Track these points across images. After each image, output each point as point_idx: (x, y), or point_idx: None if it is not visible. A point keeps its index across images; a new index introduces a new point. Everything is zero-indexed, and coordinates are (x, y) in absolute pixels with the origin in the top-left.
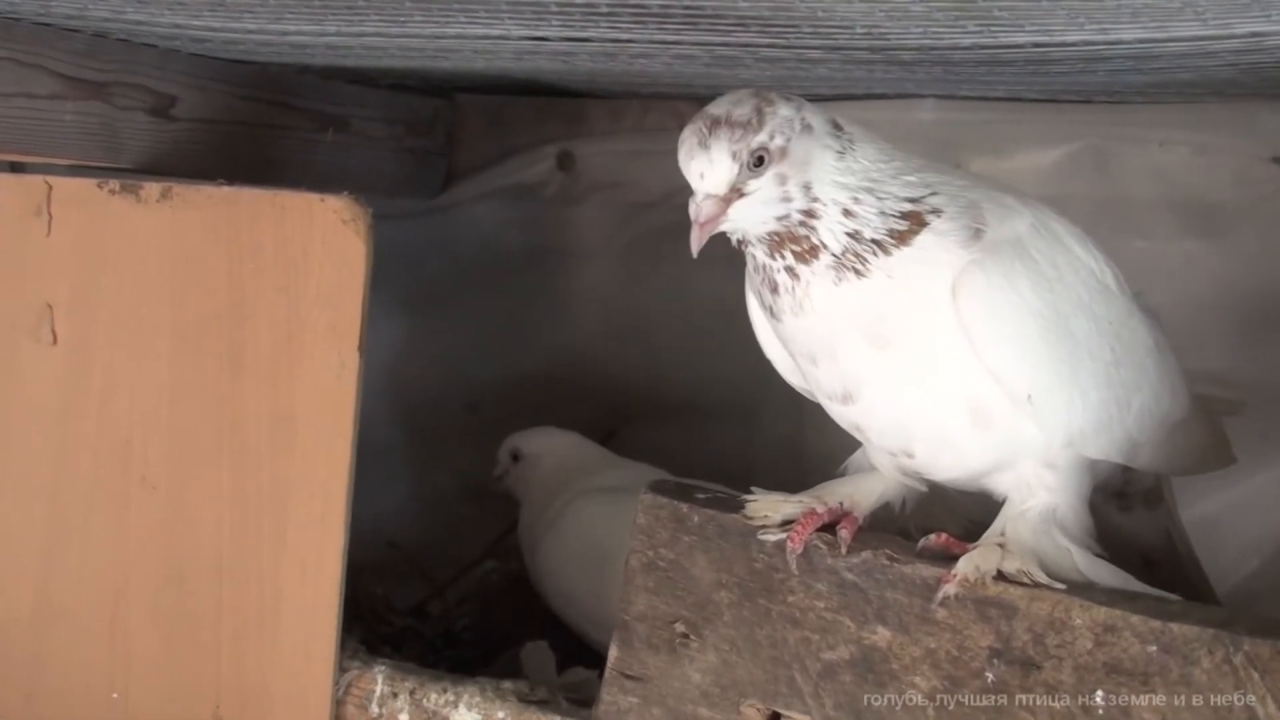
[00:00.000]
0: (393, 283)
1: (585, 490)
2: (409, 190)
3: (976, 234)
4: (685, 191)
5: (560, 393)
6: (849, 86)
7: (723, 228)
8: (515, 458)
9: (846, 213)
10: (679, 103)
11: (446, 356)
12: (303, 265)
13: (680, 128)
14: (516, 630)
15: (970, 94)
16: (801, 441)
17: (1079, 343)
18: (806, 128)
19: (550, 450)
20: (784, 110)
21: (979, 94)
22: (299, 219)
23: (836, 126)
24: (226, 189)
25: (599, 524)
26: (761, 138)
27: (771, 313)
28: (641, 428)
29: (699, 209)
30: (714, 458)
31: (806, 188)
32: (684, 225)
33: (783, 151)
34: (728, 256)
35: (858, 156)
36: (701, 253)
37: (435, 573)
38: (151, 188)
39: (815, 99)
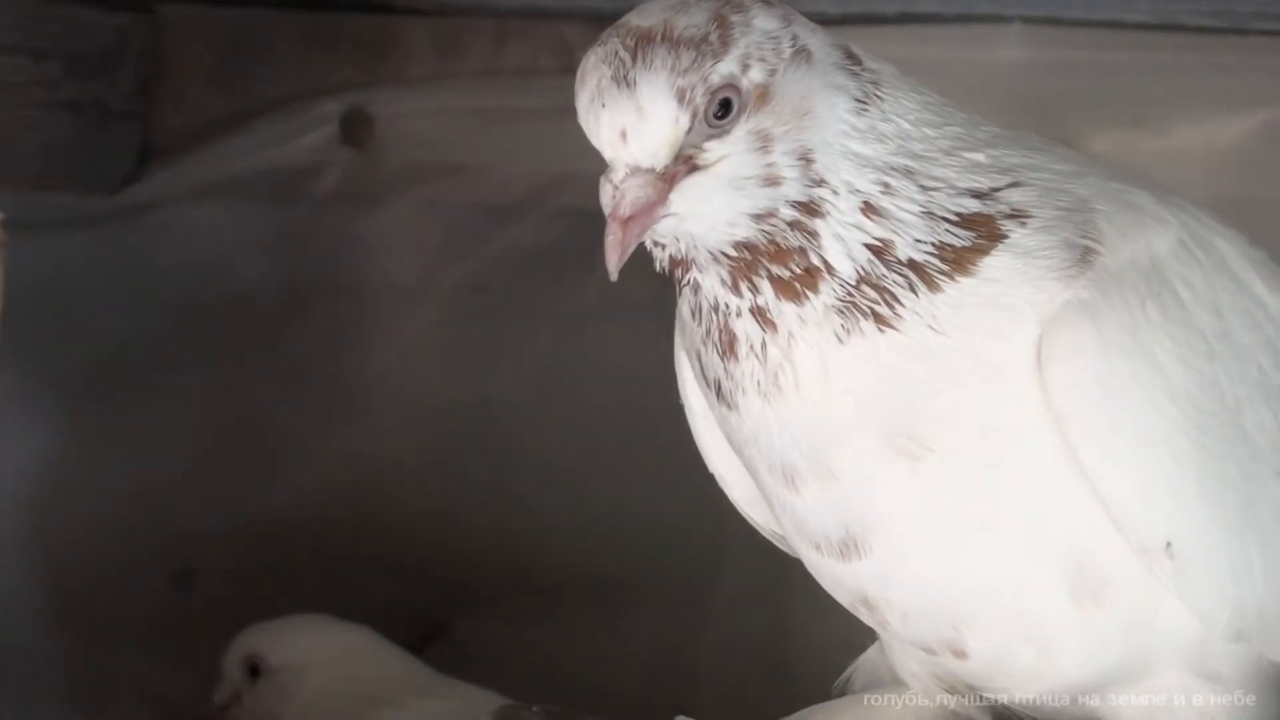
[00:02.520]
0: (39, 345)
1: None
2: (69, 178)
3: (1084, 256)
4: (573, 186)
5: (343, 553)
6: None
7: (661, 229)
8: (254, 672)
9: (869, 209)
10: (562, 24)
11: (137, 484)
12: None
13: (564, 69)
14: None
15: (1087, 16)
16: (785, 641)
17: (1258, 452)
18: (801, 54)
19: (318, 660)
20: (763, 20)
21: (1103, 17)
22: None
23: (851, 57)
24: None
25: None
26: (728, 66)
27: (720, 392)
28: (492, 621)
29: (620, 194)
30: (621, 673)
31: (805, 160)
32: (573, 246)
33: (764, 93)
34: (654, 306)
35: (888, 111)
36: (608, 300)
37: None
38: None
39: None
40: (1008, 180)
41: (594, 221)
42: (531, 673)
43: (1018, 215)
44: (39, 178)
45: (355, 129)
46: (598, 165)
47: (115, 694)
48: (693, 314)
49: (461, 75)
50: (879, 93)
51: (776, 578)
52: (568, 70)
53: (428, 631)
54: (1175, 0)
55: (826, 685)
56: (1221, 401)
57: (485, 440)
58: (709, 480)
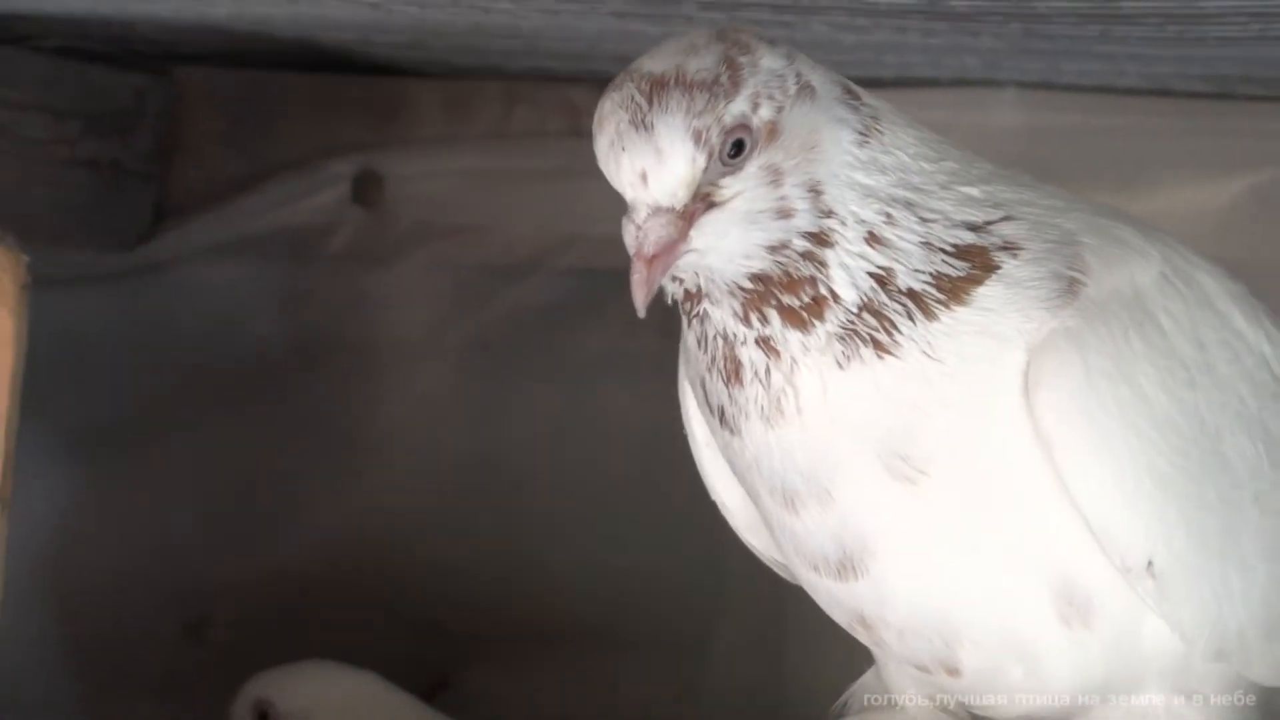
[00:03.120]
0: (57, 400)
1: None
2: (87, 235)
3: (1070, 286)
4: (577, 247)
5: (351, 604)
6: (870, 64)
7: (681, 265)
8: (263, 718)
9: (873, 239)
10: (568, 88)
11: (152, 536)
12: None
13: (571, 132)
14: None
15: (1079, 81)
16: (782, 689)
17: (1237, 478)
18: (806, 90)
19: (326, 705)
20: (769, 60)
21: (1095, 82)
22: None
23: (850, 93)
24: None
25: None
26: (740, 106)
27: (723, 418)
28: (496, 671)
29: (644, 234)
30: None
31: (814, 192)
32: (578, 304)
33: (773, 130)
34: (654, 362)
35: (887, 144)
36: (611, 357)
37: None
38: None
39: None
40: (1001, 214)
41: (597, 280)
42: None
43: (1010, 247)
44: (56, 234)
45: (366, 189)
46: (601, 227)
47: None
48: (699, 343)
49: (470, 137)
50: (879, 126)
51: (772, 630)
52: (575, 133)
53: (430, 684)
54: (1164, 65)
55: None
56: (1202, 428)
57: (491, 493)
58: (709, 535)
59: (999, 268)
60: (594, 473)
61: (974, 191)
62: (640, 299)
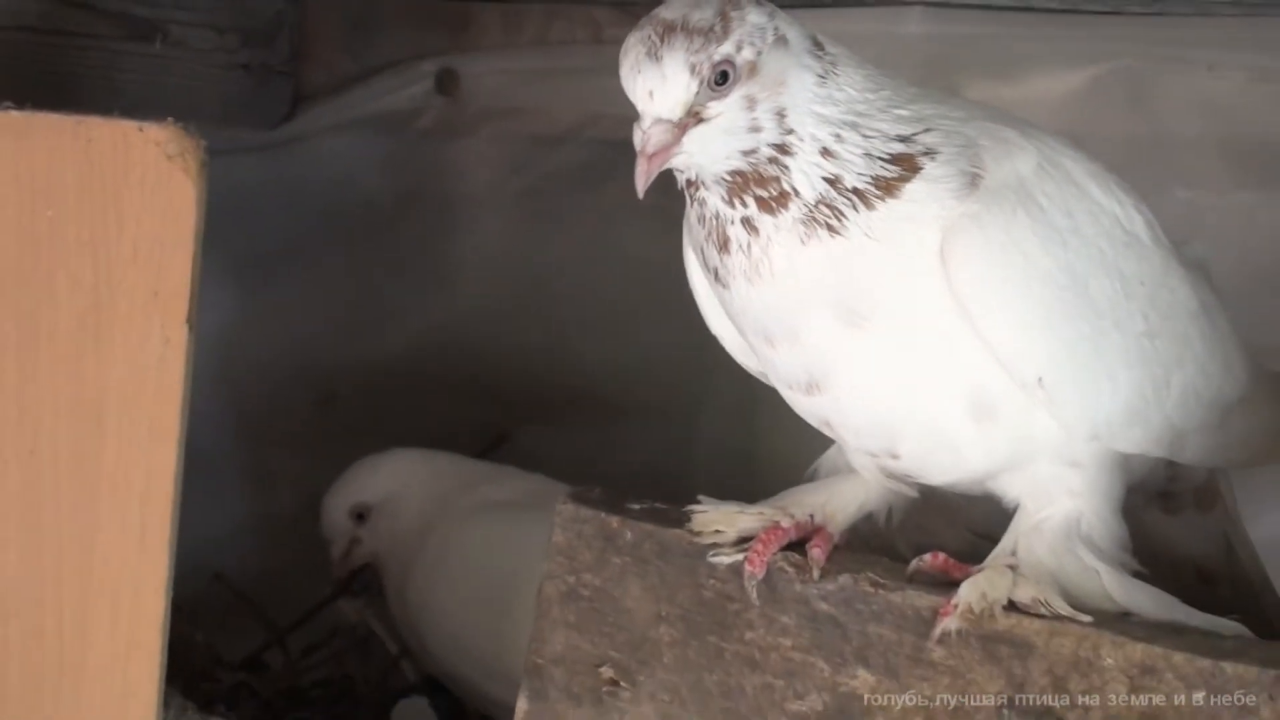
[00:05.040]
0: (222, 239)
1: (472, 508)
2: (243, 118)
3: (973, 180)
4: (600, 123)
5: (437, 383)
6: None
7: (675, 162)
8: (360, 517)
9: (825, 152)
10: (593, 8)
11: (291, 336)
12: (114, 213)
13: (595, 40)
14: (384, 686)
15: (967, 1)
16: (755, 447)
17: (1101, 310)
18: (780, 40)
19: (411, 486)
20: (754, 16)
21: (979, 2)
22: (110, 153)
23: (817, 44)
24: (14, 114)
25: (496, 546)
26: (727, 48)
27: (717, 276)
28: (542, 431)
29: (647, 137)
30: (638, 469)
31: (780, 115)
32: (601, 165)
33: (752, 68)
34: (658, 208)
35: (841, 83)
36: (625, 204)
37: (275, 614)
38: None
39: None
40: (923, 127)
41: (615, 149)
42: (564, 470)
43: (929, 153)
44: (221, 117)
45: (446, 83)
46: (618, 110)
47: (275, 486)
48: (699, 220)
49: (521, 44)
50: (835, 70)
51: (749, 407)
52: (597, 41)
53: (494, 439)
54: None
55: (791, 482)
56: (1074, 277)
57: (539, 303)
58: (700, 336)
59: (921, 169)
60: (613, 289)
61: (904, 111)
62: (640, 185)
